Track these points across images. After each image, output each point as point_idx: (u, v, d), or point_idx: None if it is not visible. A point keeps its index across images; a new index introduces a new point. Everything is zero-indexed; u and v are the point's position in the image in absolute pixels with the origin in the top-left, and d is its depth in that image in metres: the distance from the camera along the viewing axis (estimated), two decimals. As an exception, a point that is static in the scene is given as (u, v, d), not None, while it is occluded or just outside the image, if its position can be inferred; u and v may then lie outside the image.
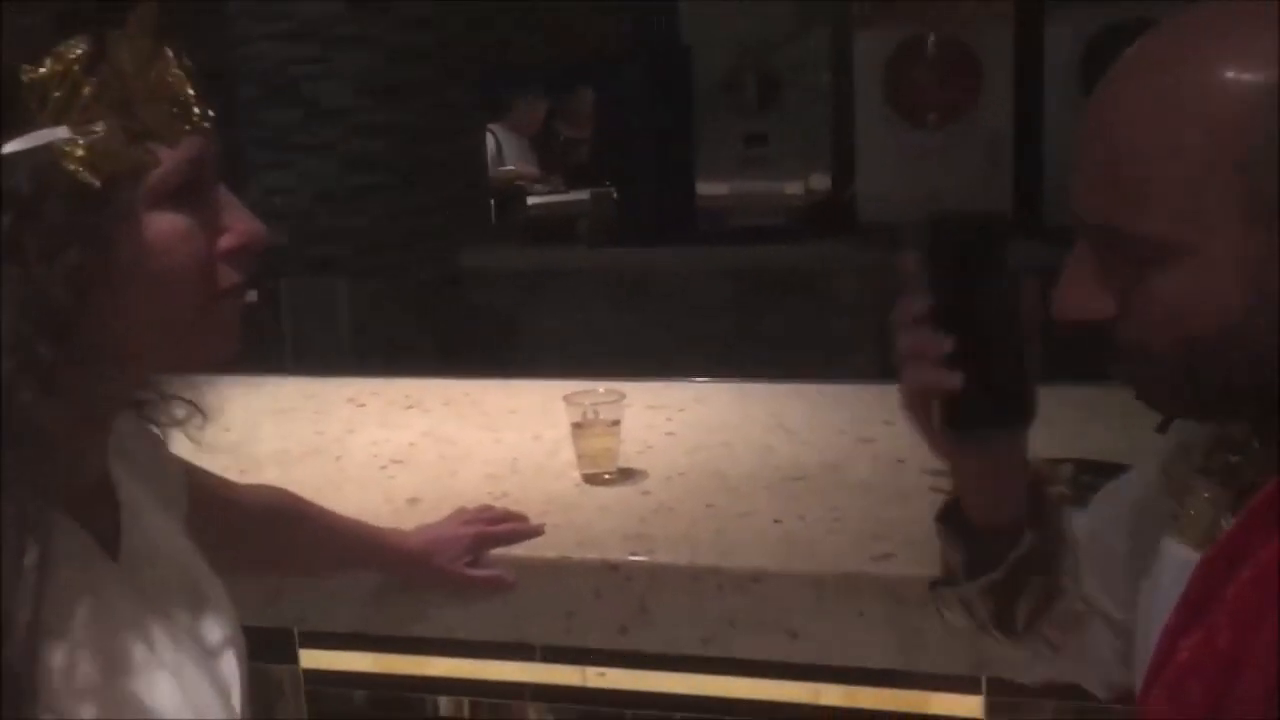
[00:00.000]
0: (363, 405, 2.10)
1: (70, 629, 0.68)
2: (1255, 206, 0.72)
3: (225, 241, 0.74)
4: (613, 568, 1.37)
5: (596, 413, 1.63)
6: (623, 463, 1.68)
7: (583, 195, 4.61)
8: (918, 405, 0.89)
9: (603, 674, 1.50)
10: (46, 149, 0.65)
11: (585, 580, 1.38)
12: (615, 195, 4.09)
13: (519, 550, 1.41)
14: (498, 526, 1.41)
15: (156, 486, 0.89)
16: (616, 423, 1.64)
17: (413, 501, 1.59)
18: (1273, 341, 0.75)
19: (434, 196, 3.91)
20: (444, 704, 1.57)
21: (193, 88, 0.70)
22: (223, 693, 0.79)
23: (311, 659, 1.59)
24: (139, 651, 0.71)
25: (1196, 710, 0.74)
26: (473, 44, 4.18)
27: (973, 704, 1.39)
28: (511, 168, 5.34)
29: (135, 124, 0.68)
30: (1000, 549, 0.95)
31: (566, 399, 1.64)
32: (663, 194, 3.97)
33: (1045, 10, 3.53)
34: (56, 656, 0.66)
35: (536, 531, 1.44)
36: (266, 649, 1.57)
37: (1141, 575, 0.93)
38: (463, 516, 1.42)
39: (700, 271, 3.83)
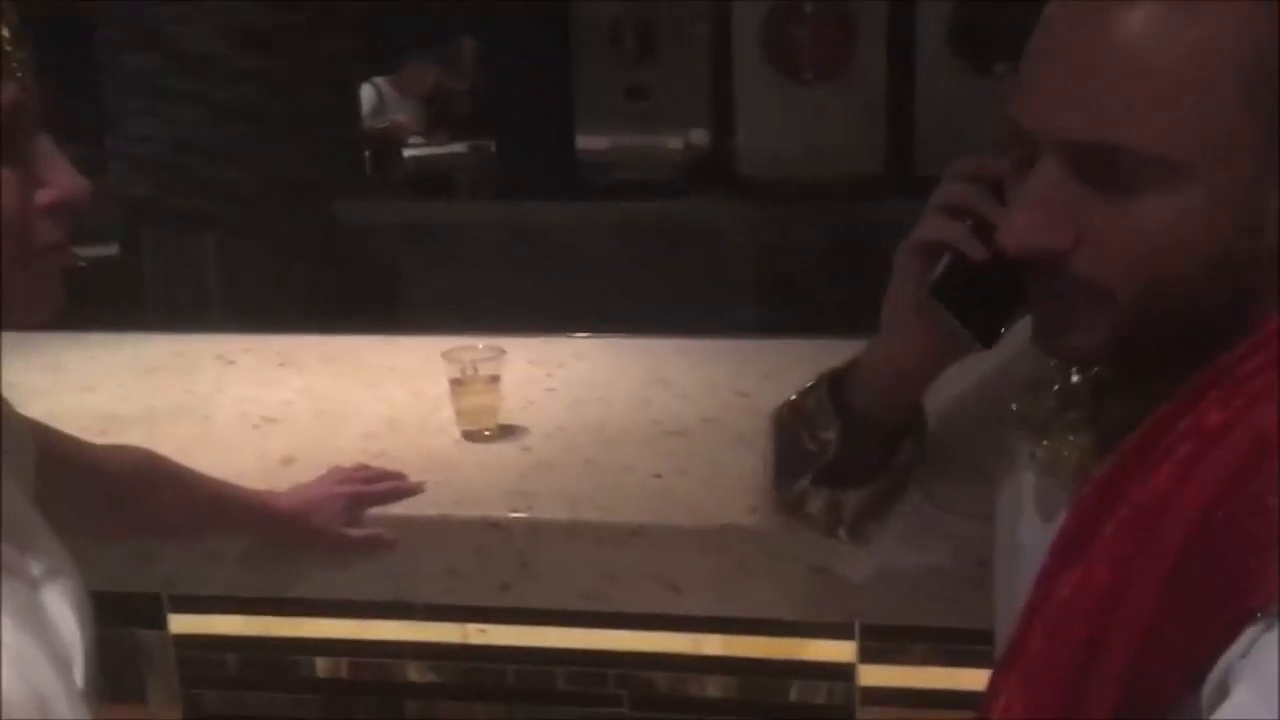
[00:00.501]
0: (232, 363, 2.04)
1: None
2: (1258, 126, 0.71)
3: (43, 196, 0.71)
4: (493, 525, 1.37)
5: (475, 369, 1.62)
6: (503, 419, 1.67)
7: (461, 148, 4.54)
8: (919, 255, 0.87)
9: (484, 630, 1.50)
10: None
11: (466, 538, 1.38)
12: (493, 148, 4.04)
13: (398, 509, 1.40)
14: (374, 485, 1.39)
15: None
16: (496, 379, 1.63)
17: (287, 461, 1.56)
18: (1242, 280, 0.75)
19: (307, 148, 3.81)
20: (321, 665, 1.55)
21: (9, 28, 0.66)
22: (63, 665, 0.76)
23: (181, 624, 1.55)
24: None
25: (1077, 646, 0.75)
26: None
27: (847, 649, 1.44)
28: (390, 118, 5.23)
29: None
30: (872, 445, 0.97)
31: (445, 355, 1.62)
32: (543, 147, 3.93)
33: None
34: None
35: (415, 489, 1.42)
36: (135, 615, 1.53)
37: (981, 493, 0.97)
38: (337, 475, 1.39)
39: (581, 225, 3.82)
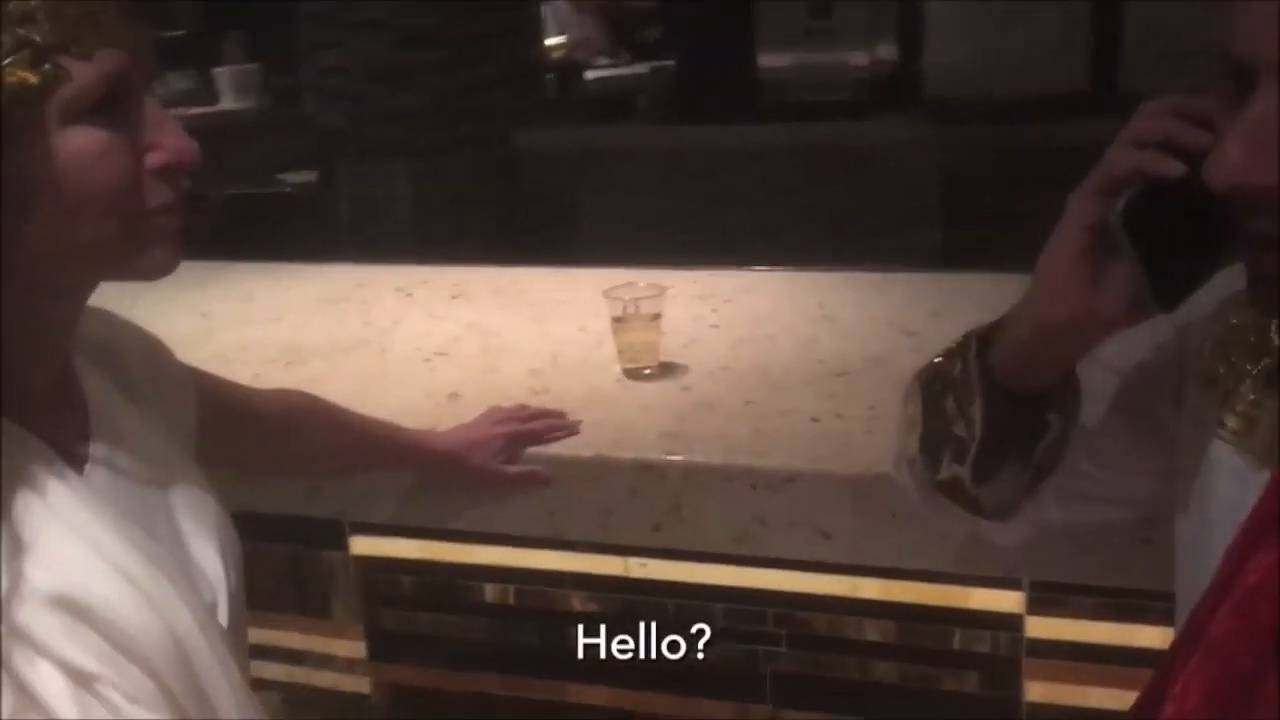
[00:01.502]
0: (410, 295, 2.11)
1: (23, 553, 0.68)
2: None
3: (154, 159, 0.73)
4: (647, 466, 1.38)
5: (637, 307, 1.61)
6: (666, 356, 1.67)
7: (643, 69, 4.51)
8: (1099, 197, 0.77)
9: (644, 564, 1.51)
10: None
11: (621, 478, 1.39)
12: (674, 69, 3.99)
13: (556, 448, 1.42)
14: (531, 424, 1.41)
15: (150, 394, 0.89)
16: (657, 317, 1.62)
17: (453, 396, 1.60)
18: None
19: (488, 73, 3.85)
20: (489, 590, 1.60)
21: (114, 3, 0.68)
22: (207, 610, 0.79)
23: (361, 545, 1.63)
24: (100, 572, 0.71)
25: (1263, 634, 0.70)
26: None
27: (1013, 599, 1.39)
28: (566, 37, 5.22)
29: (40, 37, 0.66)
30: (1015, 423, 0.89)
31: (606, 294, 1.63)
32: (724, 67, 3.85)
33: None
34: (7, 572, 0.67)
35: (571, 429, 1.44)
36: (320, 537, 1.62)
37: (1159, 465, 0.90)
38: (496, 415, 1.42)
39: (761, 149, 3.74)
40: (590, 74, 4.47)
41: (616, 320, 1.62)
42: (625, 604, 1.55)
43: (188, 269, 2.72)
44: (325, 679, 1.74)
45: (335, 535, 1.63)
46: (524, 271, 2.20)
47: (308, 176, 4.31)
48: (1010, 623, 1.40)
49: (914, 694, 1.46)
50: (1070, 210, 0.80)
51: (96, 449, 0.78)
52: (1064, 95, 3.41)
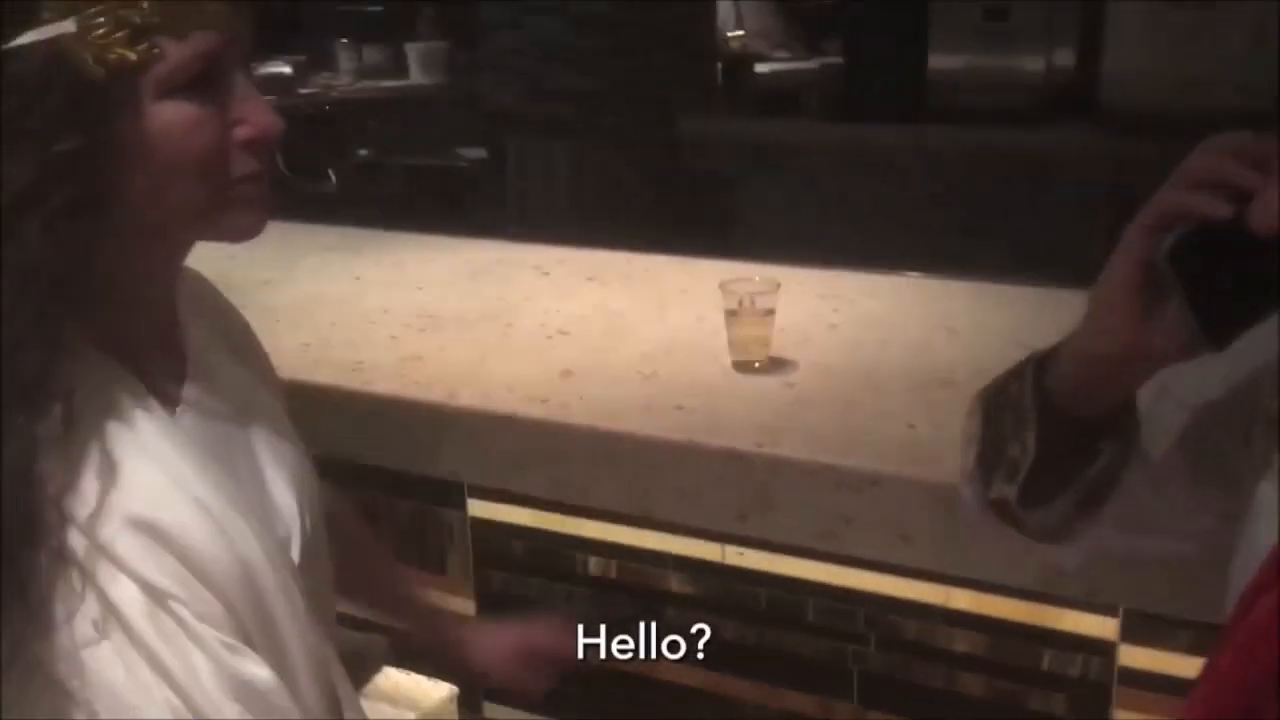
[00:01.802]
0: (547, 274, 2.19)
1: (111, 478, 0.75)
2: None
3: (240, 133, 0.80)
4: (736, 456, 1.41)
5: (752, 301, 1.65)
6: (778, 352, 1.70)
7: (812, 64, 4.49)
8: (1152, 232, 0.76)
9: (741, 553, 1.55)
10: (52, 41, 0.71)
11: (708, 465, 1.43)
12: (843, 66, 3.97)
13: (652, 429, 1.47)
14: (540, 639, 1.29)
15: (245, 353, 0.98)
16: (770, 312, 1.66)
17: (565, 373, 1.67)
18: None
19: (660, 60, 3.91)
20: (593, 563, 1.67)
21: None
22: (278, 545, 0.87)
23: (478, 509, 1.72)
24: (179, 501, 0.79)
25: (1262, 675, 0.70)
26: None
27: (1108, 625, 1.38)
28: (741, 32, 5.24)
29: (140, 18, 0.73)
30: (1069, 448, 0.88)
31: (722, 286, 1.67)
32: (894, 66, 3.81)
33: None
34: (87, 503, 0.74)
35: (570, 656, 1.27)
36: (440, 495, 1.72)
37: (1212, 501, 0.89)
38: (517, 636, 1.30)
39: (926, 151, 3.69)
40: (761, 67, 4.48)
41: (730, 313, 1.66)
42: (721, 589, 1.59)
43: (347, 235, 2.93)
44: (440, 631, 1.84)
45: (455, 496, 1.72)
46: (656, 259, 2.26)
47: (480, 153, 4.47)
48: (1102, 648, 1.38)
49: (999, 709, 1.46)
50: (1123, 244, 0.79)
51: (189, 391, 0.87)
52: (1248, 113, 3.24)
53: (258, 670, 0.81)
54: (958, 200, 3.51)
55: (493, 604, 1.77)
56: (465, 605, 1.80)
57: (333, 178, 5.02)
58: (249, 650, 0.81)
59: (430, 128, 5.37)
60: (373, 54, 6.01)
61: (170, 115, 0.76)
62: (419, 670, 1.81)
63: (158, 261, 0.84)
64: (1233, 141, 0.75)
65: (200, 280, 0.96)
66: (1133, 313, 0.79)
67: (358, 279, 2.19)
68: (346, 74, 5.87)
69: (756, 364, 1.65)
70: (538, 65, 3.92)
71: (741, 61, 4.44)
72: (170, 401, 0.85)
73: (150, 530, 0.76)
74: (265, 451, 0.91)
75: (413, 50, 5.90)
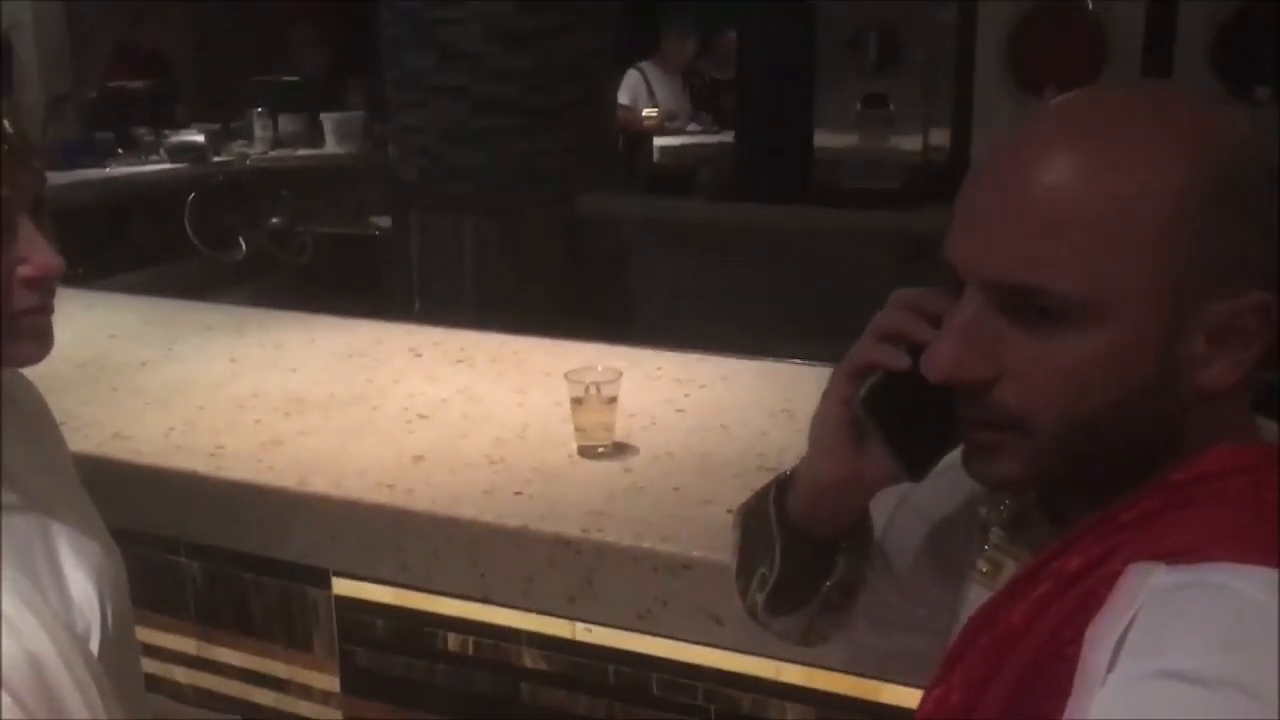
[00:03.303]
0: (420, 355, 2.27)
1: None
2: (1176, 271, 0.73)
3: (23, 271, 0.89)
4: (565, 542, 1.50)
5: (597, 389, 1.74)
6: (625, 436, 1.79)
7: (709, 140, 4.66)
8: (853, 378, 0.87)
9: (590, 630, 1.63)
10: None
11: (542, 550, 1.51)
12: (736, 144, 4.13)
13: (488, 516, 1.55)
14: None
15: (40, 437, 1.05)
16: (613, 400, 1.75)
17: (418, 459, 1.74)
18: (1159, 421, 0.76)
19: (557, 140, 4.04)
20: (452, 640, 1.73)
21: (1, 135, 0.84)
22: (74, 639, 0.94)
23: (342, 587, 1.78)
24: None
25: None
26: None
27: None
28: (654, 111, 5.42)
29: None
30: (808, 564, 0.97)
31: (567, 376, 1.76)
32: (782, 148, 3.97)
33: (1180, -15, 3.36)
34: None
35: None
36: (306, 574, 1.77)
37: (938, 601, 0.99)
38: None
39: (813, 230, 3.85)
40: (659, 141, 4.63)
41: (575, 401, 1.75)
42: (572, 665, 1.67)
43: (233, 314, 2.98)
44: (304, 708, 1.89)
45: (320, 575, 1.78)
46: (530, 340, 2.34)
47: (383, 221, 4.56)
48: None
49: (832, 779, 1.54)
50: (828, 388, 0.90)
51: None
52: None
53: None
54: (831, 280, 3.66)
55: (357, 679, 1.82)
56: (330, 682, 1.85)
57: (243, 246, 5.07)
58: None
59: (344, 196, 5.45)
60: (288, 123, 6.09)
61: None
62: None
63: None
64: (914, 297, 0.87)
65: (16, 380, 1.03)
66: (844, 447, 0.90)
67: (233, 361, 2.25)
68: (261, 142, 5.94)
69: (600, 449, 1.74)
70: (438, 143, 4.03)
71: (642, 139, 4.59)
72: None
73: None
74: (66, 548, 0.97)
75: (328, 120, 6.00)
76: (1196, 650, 0.64)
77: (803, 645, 1.07)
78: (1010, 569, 0.89)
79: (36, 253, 0.89)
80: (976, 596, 0.92)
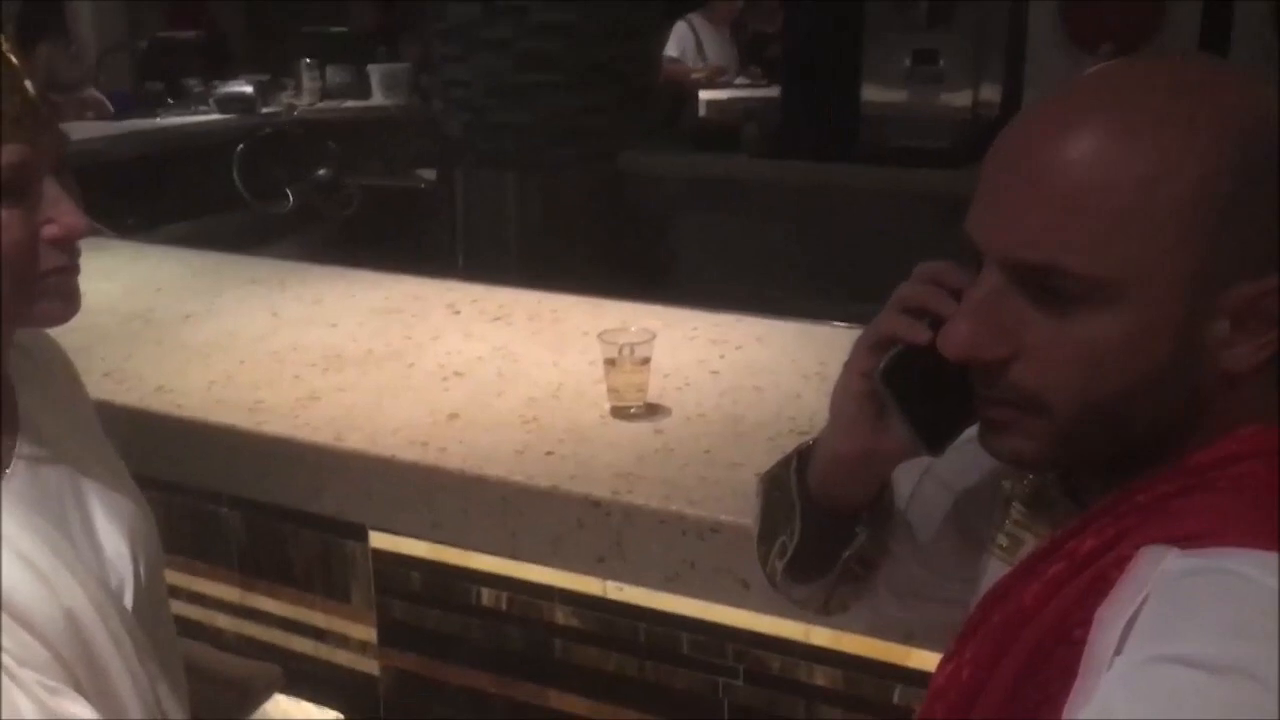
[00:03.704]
0: (458, 312, 2.28)
1: None
2: (1197, 255, 0.72)
3: (48, 231, 0.90)
4: (594, 503, 1.51)
5: (631, 350, 1.74)
6: (658, 397, 1.79)
7: (756, 94, 4.61)
8: (873, 350, 0.87)
9: (621, 589, 1.65)
10: None
11: (571, 510, 1.52)
12: (782, 100, 4.08)
13: (518, 476, 1.56)
14: None
15: (70, 398, 1.07)
16: (646, 360, 1.75)
17: (452, 417, 1.76)
18: (1179, 404, 0.75)
19: (602, 96, 4.02)
20: (486, 594, 1.76)
21: (24, 97, 0.85)
22: (109, 594, 0.96)
23: (379, 540, 1.81)
24: (4, 558, 0.87)
25: None
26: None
27: (951, 664, 1.46)
28: (706, 64, 5.36)
29: None
30: (827, 533, 0.98)
31: (601, 336, 1.76)
32: (830, 104, 3.92)
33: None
34: None
35: None
36: (344, 528, 1.80)
37: (958, 577, 0.99)
38: None
39: (858, 189, 3.80)
40: (704, 95, 4.59)
41: (609, 362, 1.75)
42: (603, 622, 1.69)
43: (276, 268, 3.02)
44: (342, 657, 1.93)
45: (358, 529, 1.81)
46: (569, 299, 2.35)
47: (429, 174, 4.57)
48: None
49: (856, 741, 1.56)
50: (849, 359, 0.90)
51: (21, 447, 0.96)
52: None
53: (78, 710, 0.89)
54: (874, 241, 3.62)
55: (394, 631, 1.85)
56: (367, 633, 1.89)
57: (290, 197, 5.10)
58: (70, 692, 0.90)
59: (390, 148, 5.46)
60: (336, 74, 6.10)
61: None
62: (308, 698, 1.90)
63: None
64: (937, 270, 0.86)
65: (39, 340, 1.05)
66: (863, 420, 0.90)
67: (274, 315, 2.28)
68: (309, 93, 5.97)
69: (632, 410, 1.75)
70: (482, 98, 4.02)
71: (688, 94, 4.55)
72: (3, 459, 0.94)
73: None
74: (97, 504, 1.00)
75: (375, 71, 6.00)
76: (1205, 636, 0.64)
77: (822, 614, 1.08)
78: (1029, 545, 0.89)
79: (62, 213, 0.90)
80: (995, 570, 0.92)
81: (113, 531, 1.00)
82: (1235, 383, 0.74)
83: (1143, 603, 0.68)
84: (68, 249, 0.92)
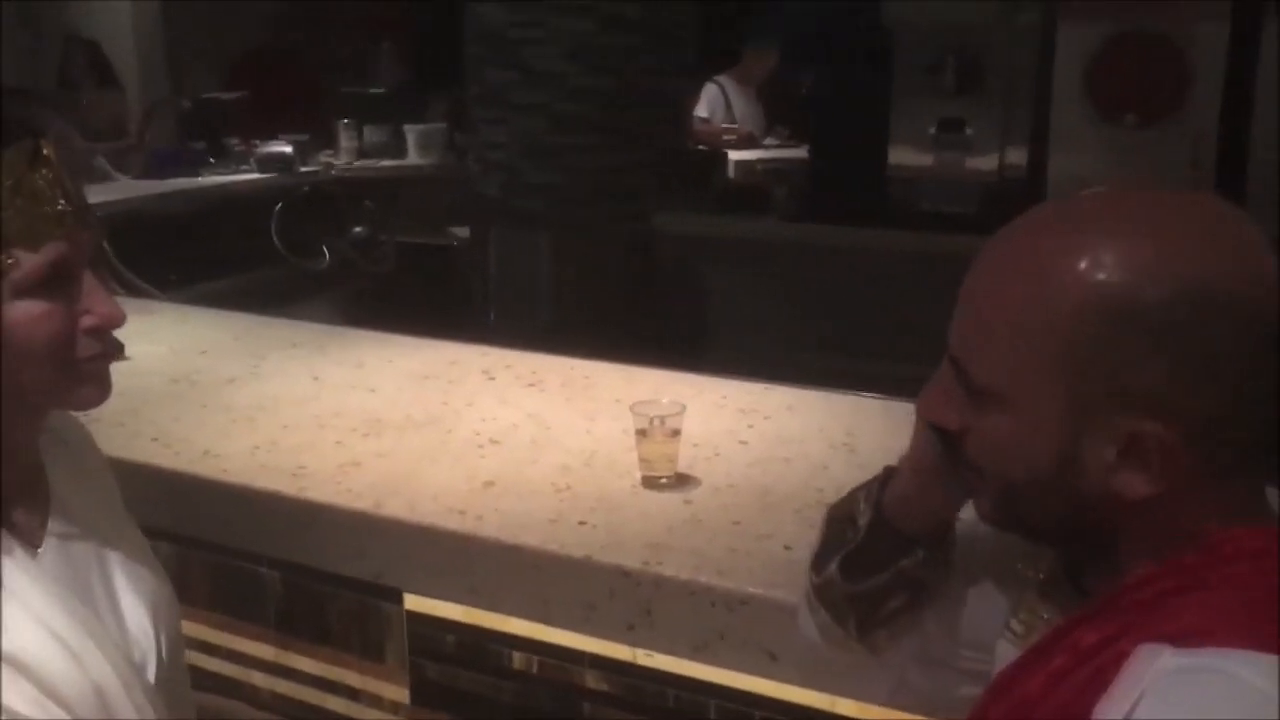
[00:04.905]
0: (493, 379, 2.34)
1: None
2: (1072, 393, 0.80)
3: (86, 321, 0.97)
4: (625, 573, 1.55)
5: (661, 421, 1.79)
6: (687, 467, 1.84)
7: (783, 155, 4.69)
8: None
9: (650, 655, 1.68)
10: None
11: (602, 579, 1.57)
12: (810, 164, 4.15)
13: (552, 545, 1.61)
14: None
15: (96, 477, 1.12)
16: (677, 432, 1.80)
17: (488, 484, 1.81)
18: (1075, 503, 0.83)
19: (634, 158, 4.10)
20: (517, 658, 1.80)
21: (64, 196, 0.91)
22: (133, 668, 1.00)
23: (413, 603, 1.85)
24: (38, 636, 0.92)
25: None
26: (683, 11, 4.30)
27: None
28: (735, 125, 5.45)
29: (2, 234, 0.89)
30: (891, 553, 1.03)
31: (633, 408, 1.81)
32: (857, 168, 3.99)
33: (1264, 15, 3.31)
34: None
35: None
36: (379, 589, 1.85)
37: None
38: None
39: (885, 252, 3.86)
40: (734, 155, 4.67)
41: (640, 432, 1.80)
42: (632, 688, 1.72)
43: (317, 332, 3.09)
44: (374, 716, 1.96)
45: (393, 590, 1.86)
46: (602, 365, 2.40)
47: (462, 232, 4.66)
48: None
49: (882, 811, 1.57)
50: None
51: (54, 526, 1.01)
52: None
53: None
54: (905, 302, 3.66)
55: (426, 692, 1.89)
56: (400, 693, 1.92)
57: (327, 254, 5.21)
58: None
59: (425, 206, 5.56)
60: (373, 134, 6.23)
61: (23, 311, 0.93)
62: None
63: (19, 425, 0.99)
64: None
65: (64, 417, 1.11)
66: (929, 469, 0.98)
67: (316, 379, 2.34)
68: (346, 153, 6.09)
69: (663, 480, 1.79)
70: (518, 159, 4.11)
71: (718, 155, 4.63)
72: (33, 542, 0.99)
73: (13, 663, 0.90)
74: (122, 579, 1.05)
75: (412, 132, 6.12)
76: None
77: (864, 642, 1.10)
78: (1040, 632, 0.93)
79: (98, 303, 0.97)
80: (1006, 654, 0.96)
81: (136, 606, 1.05)
82: (1146, 502, 0.79)
83: (1139, 700, 0.72)
84: (103, 337, 0.98)
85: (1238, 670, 0.69)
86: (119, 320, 0.98)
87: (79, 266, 0.96)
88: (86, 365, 0.97)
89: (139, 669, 1.02)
